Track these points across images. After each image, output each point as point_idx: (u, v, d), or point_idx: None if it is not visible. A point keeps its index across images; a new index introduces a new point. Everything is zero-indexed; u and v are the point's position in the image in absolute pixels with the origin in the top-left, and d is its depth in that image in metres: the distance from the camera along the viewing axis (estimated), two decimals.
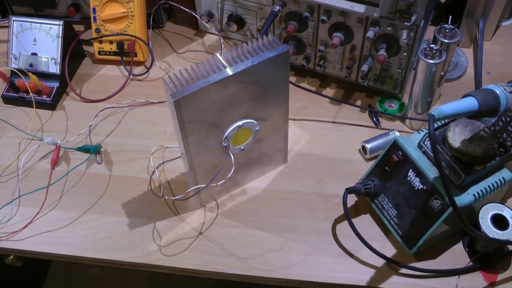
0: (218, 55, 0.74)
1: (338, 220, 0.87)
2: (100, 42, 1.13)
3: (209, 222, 0.88)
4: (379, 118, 1.02)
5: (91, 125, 1.02)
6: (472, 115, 0.67)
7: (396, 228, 0.83)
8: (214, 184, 0.82)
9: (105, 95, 1.08)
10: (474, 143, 0.76)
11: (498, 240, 0.76)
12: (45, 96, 1.06)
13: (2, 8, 1.24)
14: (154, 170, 0.94)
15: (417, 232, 0.80)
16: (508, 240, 0.76)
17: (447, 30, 0.91)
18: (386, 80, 1.01)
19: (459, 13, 1.09)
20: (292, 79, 1.09)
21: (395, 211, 0.83)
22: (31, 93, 1.04)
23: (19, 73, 1.04)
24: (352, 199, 0.90)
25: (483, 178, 0.79)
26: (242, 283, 0.86)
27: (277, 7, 0.97)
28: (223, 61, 0.74)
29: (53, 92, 1.06)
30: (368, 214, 0.88)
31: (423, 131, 0.85)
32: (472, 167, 0.77)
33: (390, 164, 0.84)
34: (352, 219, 0.83)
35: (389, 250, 0.83)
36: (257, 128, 0.83)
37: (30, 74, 1.03)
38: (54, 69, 1.07)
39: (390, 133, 0.96)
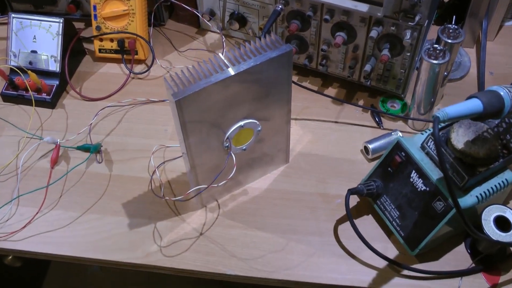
0: (220, 54, 0.74)
1: (340, 221, 0.87)
2: (101, 40, 1.12)
3: (210, 222, 0.87)
4: (382, 118, 1.01)
5: (91, 124, 1.01)
6: (477, 117, 0.66)
7: (399, 229, 0.82)
8: (216, 185, 0.82)
9: (105, 93, 1.07)
10: (478, 145, 0.75)
11: (501, 242, 0.75)
12: (45, 94, 1.05)
13: (1, 5, 1.24)
14: (155, 170, 0.93)
15: (419, 234, 0.79)
16: (511, 242, 0.75)
17: (450, 30, 0.90)
18: (389, 80, 1.01)
19: (462, 13, 1.08)
20: (294, 78, 1.08)
21: (398, 212, 0.82)
22: (30, 91, 1.03)
23: (19, 71, 1.03)
24: (354, 200, 0.89)
25: (486, 180, 0.79)
26: (242, 284, 0.86)
27: (280, 6, 0.96)
28: (225, 61, 0.73)
29: (53, 90, 1.05)
30: (370, 215, 0.88)
31: (426, 132, 0.84)
32: (475, 169, 0.76)
33: (393, 165, 0.83)
34: (354, 220, 0.82)
35: (391, 252, 0.83)
36: (259, 128, 0.83)
37: (29, 72, 1.02)
38: (54, 67, 1.06)
39: (392, 133, 0.96)
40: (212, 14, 1.15)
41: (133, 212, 0.88)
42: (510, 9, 1.16)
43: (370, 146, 0.94)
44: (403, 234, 0.82)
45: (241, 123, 0.79)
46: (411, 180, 0.81)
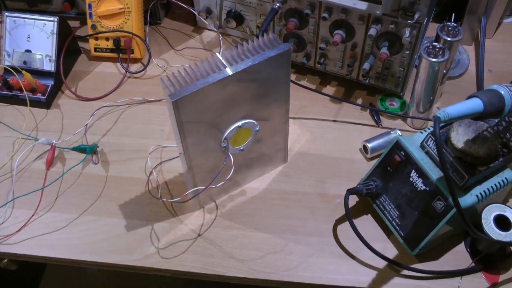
0: (217, 54, 0.73)
1: (339, 221, 0.86)
2: (96, 38, 1.11)
3: (208, 223, 0.86)
4: (380, 116, 1.01)
5: (87, 124, 1.00)
6: (477, 117, 0.66)
7: (398, 229, 0.82)
8: (214, 186, 0.81)
9: (101, 93, 1.06)
10: (478, 144, 0.75)
11: (502, 242, 0.75)
12: (40, 94, 1.04)
13: None
14: (152, 171, 0.92)
15: (419, 234, 0.79)
16: (511, 242, 0.75)
17: (450, 28, 0.90)
18: (388, 78, 1.00)
19: (460, 10, 1.07)
20: (292, 76, 1.07)
21: (397, 212, 0.82)
22: (25, 91, 1.02)
23: (13, 71, 1.02)
24: (353, 200, 0.89)
25: (486, 179, 0.78)
26: (241, 285, 0.85)
27: (278, 4, 0.96)
28: (223, 60, 0.72)
29: (48, 90, 1.04)
30: (369, 215, 0.87)
31: (425, 130, 0.83)
32: (475, 168, 0.76)
33: (392, 164, 0.83)
34: (353, 220, 0.82)
35: (391, 251, 0.83)
36: (257, 128, 0.82)
37: (24, 71, 1.01)
38: (49, 66, 1.05)
39: (391, 132, 0.95)
40: (208, 12, 1.14)
41: (130, 214, 0.87)
42: (509, 6, 1.16)
43: (369, 145, 0.93)
44: (402, 234, 0.81)
45: (239, 123, 0.78)
46: (411, 179, 0.80)
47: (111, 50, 1.11)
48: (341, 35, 0.95)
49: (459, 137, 0.76)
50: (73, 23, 1.16)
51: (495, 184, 0.78)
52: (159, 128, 1.00)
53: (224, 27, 1.16)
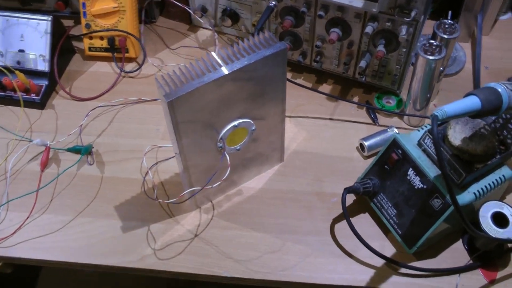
0: (213, 53, 0.72)
1: (336, 220, 0.86)
2: (91, 38, 1.10)
3: (204, 224, 0.86)
4: (377, 114, 1.00)
5: (81, 124, 0.99)
6: (475, 114, 0.65)
7: (396, 227, 0.81)
8: (210, 186, 0.80)
9: (96, 93, 1.05)
10: (475, 141, 0.74)
11: (500, 239, 0.75)
12: (34, 95, 1.03)
13: None
14: (148, 171, 0.92)
15: (417, 232, 0.78)
16: (509, 239, 0.75)
17: (446, 26, 0.89)
18: (385, 76, 0.99)
19: (457, 8, 1.07)
20: (288, 75, 1.07)
21: (395, 210, 0.81)
22: (18, 92, 1.01)
23: (6, 71, 1.00)
24: (350, 198, 0.88)
25: (484, 176, 0.78)
26: (239, 286, 0.85)
27: (273, 2, 0.95)
28: (218, 60, 0.72)
29: (42, 90, 1.03)
30: (367, 213, 0.87)
31: (422, 128, 0.83)
32: (472, 166, 0.75)
33: (390, 162, 0.82)
34: (350, 218, 0.81)
35: (389, 250, 0.82)
36: (253, 128, 0.81)
37: (17, 72, 1.01)
38: (43, 66, 1.04)
39: (388, 130, 0.95)
40: (204, 10, 1.13)
41: (126, 215, 0.87)
42: (504, 3, 1.16)
43: (366, 143, 0.93)
44: (400, 232, 0.81)
45: (235, 122, 0.78)
46: (408, 177, 0.80)
47: (106, 50, 1.11)
48: (338, 33, 0.94)
49: (456, 134, 0.76)
50: (67, 22, 1.15)
51: (492, 182, 0.78)
52: (155, 127, 0.99)
53: (219, 26, 1.16)
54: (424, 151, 0.80)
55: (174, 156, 0.90)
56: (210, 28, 1.16)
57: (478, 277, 0.79)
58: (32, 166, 0.94)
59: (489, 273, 0.80)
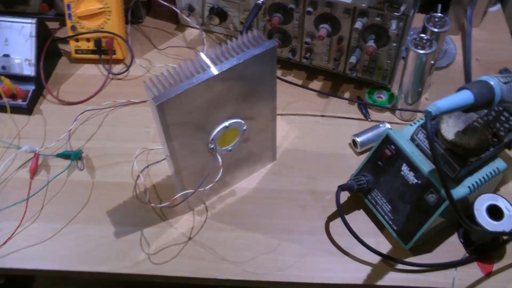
0: (201, 53, 0.71)
1: (331, 218, 0.86)
2: (77, 40, 1.09)
3: (198, 226, 0.85)
4: (369, 110, 1.00)
5: (70, 129, 0.98)
6: (468, 109, 0.65)
7: (391, 223, 0.81)
8: (202, 189, 0.79)
9: (84, 96, 1.04)
10: (468, 135, 0.74)
11: (496, 233, 0.75)
12: (21, 100, 1.01)
13: None
14: (139, 175, 0.90)
15: (412, 227, 0.78)
16: (504, 232, 0.75)
17: (436, 19, 0.89)
18: (375, 71, 0.99)
19: (446, 1, 1.06)
20: (278, 72, 1.06)
21: (389, 206, 0.81)
22: (4, 98, 0.99)
23: None
24: (344, 195, 0.88)
25: (477, 169, 0.78)
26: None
27: None
28: (207, 60, 0.70)
29: (29, 95, 1.02)
30: (361, 210, 0.87)
31: (415, 123, 0.83)
32: (466, 159, 0.75)
33: (383, 158, 0.82)
34: (345, 215, 0.81)
35: (384, 246, 0.82)
36: (245, 128, 0.80)
37: (2, 77, 0.99)
38: (29, 71, 1.02)
39: (380, 125, 0.94)
40: (191, 9, 1.12)
41: (119, 220, 0.86)
42: None
43: (359, 140, 0.92)
44: (396, 228, 0.80)
45: (226, 123, 0.77)
46: (402, 173, 0.79)
47: (93, 52, 1.09)
48: (327, 29, 0.94)
49: (450, 128, 0.75)
50: (52, 25, 1.14)
51: (486, 175, 0.78)
52: (144, 130, 0.98)
53: (207, 24, 1.14)
54: (418, 146, 0.79)
55: (165, 159, 0.89)
56: (198, 27, 1.14)
57: (474, 270, 0.79)
58: (21, 174, 0.92)
59: (485, 265, 0.80)
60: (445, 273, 0.79)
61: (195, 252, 0.82)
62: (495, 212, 0.76)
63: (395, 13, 0.86)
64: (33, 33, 1.02)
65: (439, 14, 0.89)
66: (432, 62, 0.91)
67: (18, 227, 0.84)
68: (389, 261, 0.80)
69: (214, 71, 0.69)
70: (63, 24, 1.15)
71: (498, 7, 1.19)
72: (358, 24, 0.90)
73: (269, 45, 0.72)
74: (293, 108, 1.01)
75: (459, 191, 0.75)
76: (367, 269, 0.80)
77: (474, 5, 1.08)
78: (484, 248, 0.80)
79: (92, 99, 1.04)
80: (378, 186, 0.82)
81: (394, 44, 0.92)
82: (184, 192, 0.80)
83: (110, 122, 1.00)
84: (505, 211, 0.76)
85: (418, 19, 0.94)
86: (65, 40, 1.11)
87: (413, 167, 0.78)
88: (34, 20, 1.02)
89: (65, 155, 0.93)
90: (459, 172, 0.75)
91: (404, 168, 0.79)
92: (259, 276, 0.79)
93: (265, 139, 0.87)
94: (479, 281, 0.78)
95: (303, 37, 1.00)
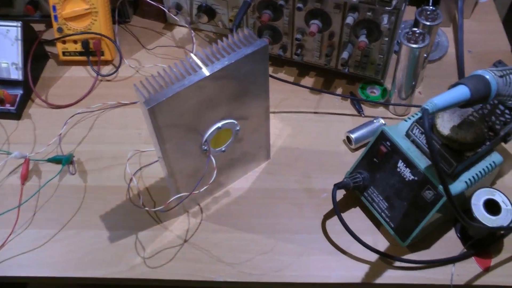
0: (192, 54, 0.70)
1: (327, 216, 0.85)
2: (64, 42, 1.07)
3: (193, 228, 0.84)
4: (362, 105, 0.99)
5: (61, 133, 0.96)
6: (464, 104, 0.64)
7: (388, 220, 0.80)
8: (197, 191, 0.78)
9: (73, 99, 1.02)
10: (464, 129, 0.74)
11: (494, 228, 0.74)
12: (9, 105, 0.99)
13: None
14: (132, 177, 0.89)
15: (410, 224, 0.78)
16: (502, 227, 0.75)
17: (428, 12, 0.88)
18: (368, 66, 0.98)
19: None
20: (269, 69, 1.04)
21: (386, 204, 0.80)
22: None
23: None
24: (340, 193, 0.87)
25: (474, 164, 0.78)
26: None
27: None
28: (198, 61, 0.69)
29: (17, 100, 1.00)
30: (357, 207, 0.86)
31: (410, 118, 0.82)
32: (462, 154, 0.75)
33: (378, 155, 0.81)
34: (341, 213, 0.80)
35: (382, 243, 0.81)
36: (238, 128, 0.79)
37: None
38: (16, 75, 1.01)
39: (374, 121, 0.93)
40: (178, 8, 1.10)
41: (113, 224, 0.85)
42: None
43: (353, 136, 0.91)
44: (393, 226, 0.80)
45: (219, 124, 0.76)
46: (398, 170, 0.79)
47: (80, 53, 1.08)
48: (318, 25, 0.92)
49: (445, 123, 0.75)
50: (38, 27, 1.12)
51: (483, 169, 0.77)
52: (136, 131, 0.97)
53: (195, 23, 1.13)
54: (413, 142, 0.79)
55: (157, 160, 0.88)
56: (186, 25, 1.13)
57: (472, 265, 0.79)
58: (12, 180, 0.91)
59: (483, 260, 0.80)
60: (444, 269, 0.79)
61: (191, 255, 0.81)
62: (492, 207, 0.76)
63: (387, 8, 0.85)
64: (19, 36, 1.00)
65: (431, 7, 0.89)
66: (425, 55, 0.91)
67: (10, 234, 0.83)
68: (386, 258, 0.79)
69: (206, 72, 0.68)
70: (49, 25, 1.14)
71: None
72: (350, 19, 0.89)
73: (260, 44, 0.70)
74: (286, 105, 1.00)
75: (456, 187, 0.75)
76: (365, 267, 0.79)
77: None
78: (481, 243, 0.80)
79: (82, 102, 1.02)
80: (374, 183, 0.82)
81: (386, 39, 0.91)
82: (178, 196, 0.79)
83: (101, 125, 0.98)
84: (502, 205, 0.76)
85: (408, 12, 0.93)
86: (52, 42, 1.10)
87: (409, 164, 0.77)
88: (19, 23, 1.00)
89: (56, 160, 0.92)
90: (456, 167, 0.74)
91: (400, 164, 0.78)
92: (256, 277, 0.79)
93: (259, 138, 0.86)
94: (478, 277, 0.78)
95: (293, 34, 0.99)
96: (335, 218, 0.81)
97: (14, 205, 0.85)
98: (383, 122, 0.93)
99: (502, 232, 0.81)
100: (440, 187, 0.73)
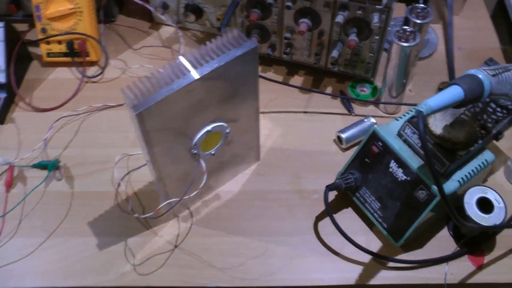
0: (181, 57, 0.68)
1: (319, 217, 0.84)
2: (48, 43, 1.05)
3: (183, 233, 0.83)
4: (352, 104, 0.98)
5: (46, 138, 0.94)
6: (458, 104, 0.64)
7: (381, 221, 0.80)
8: (187, 197, 0.77)
9: (58, 102, 1.00)
10: (456, 128, 0.73)
11: (489, 227, 0.74)
12: None
13: None
14: (119, 182, 0.87)
15: (403, 224, 0.77)
16: (495, 225, 0.75)
17: (419, 10, 0.87)
18: (358, 64, 0.97)
19: None
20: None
21: (379, 204, 0.79)
22: None
23: None
24: (331, 194, 0.86)
25: (466, 163, 0.78)
26: None
27: None
28: (187, 64, 0.68)
29: (0, 104, 0.98)
30: (349, 208, 0.85)
31: (401, 117, 0.81)
32: (455, 153, 0.74)
33: (370, 155, 0.80)
34: (333, 214, 0.80)
35: (375, 244, 0.81)
36: (228, 131, 0.78)
37: None
38: None
39: (365, 120, 0.92)
40: (165, 6, 1.08)
41: (101, 231, 0.83)
42: None
43: (343, 136, 0.90)
44: (386, 226, 0.79)
45: (209, 127, 0.74)
46: (391, 170, 0.78)
47: (65, 54, 1.05)
48: (307, 24, 0.91)
49: (437, 122, 0.74)
50: (21, 27, 1.10)
51: (475, 167, 0.77)
52: (123, 135, 0.95)
53: (182, 22, 1.11)
54: (405, 141, 0.78)
55: (146, 164, 0.86)
56: (173, 25, 1.11)
57: (466, 263, 0.79)
58: None
59: (476, 258, 0.79)
60: (437, 268, 0.78)
61: (182, 260, 0.80)
62: (485, 205, 0.76)
63: (377, 6, 0.84)
64: (1, 37, 0.98)
65: (422, 5, 0.88)
66: (416, 53, 0.90)
67: None
68: (380, 259, 0.79)
69: (195, 75, 0.66)
70: (32, 25, 1.11)
71: None
72: (340, 18, 0.87)
73: (250, 45, 0.69)
74: (275, 105, 0.99)
75: (449, 186, 0.74)
76: (359, 269, 0.79)
77: None
78: (474, 241, 0.80)
79: (67, 105, 1.00)
80: (366, 184, 0.81)
81: (377, 37, 0.90)
82: (168, 202, 0.77)
83: (87, 128, 0.97)
84: (495, 203, 0.76)
85: (396, 8, 0.92)
86: (35, 43, 1.07)
87: (401, 164, 0.77)
88: (1, 24, 0.98)
89: (41, 166, 0.89)
90: (449, 166, 0.74)
91: (393, 164, 0.78)
92: (248, 282, 0.78)
93: (249, 139, 0.85)
94: (471, 275, 0.78)
95: (282, 32, 0.97)
96: (327, 219, 0.80)
97: None
98: (374, 121, 0.92)
99: (494, 229, 0.80)
100: (433, 187, 0.73)
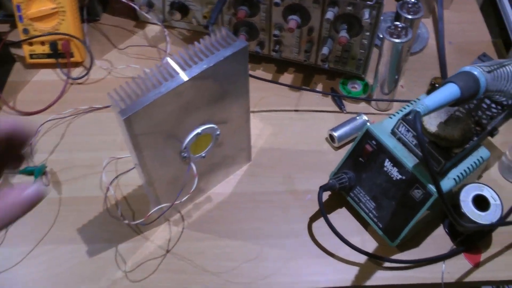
0: (168, 58, 0.66)
1: (313, 218, 0.83)
2: (31, 44, 1.02)
3: (175, 237, 0.81)
4: (343, 101, 0.96)
5: (31, 142, 0.92)
6: (454, 103, 0.62)
7: (376, 221, 0.78)
8: (178, 202, 0.75)
9: (43, 105, 0.97)
10: (451, 126, 0.72)
11: (486, 225, 0.73)
12: None
13: None
14: (108, 187, 0.85)
15: (399, 224, 0.76)
16: (492, 224, 0.74)
17: (409, 5, 0.86)
18: (348, 61, 0.95)
19: None
20: None
21: (374, 204, 0.78)
22: None
23: None
24: (325, 193, 0.84)
25: (462, 160, 0.77)
26: None
27: None
28: (175, 66, 0.66)
29: None
30: (344, 208, 0.84)
31: (394, 115, 0.80)
32: (450, 151, 0.73)
33: (364, 154, 0.79)
34: (327, 215, 0.78)
35: (370, 244, 0.80)
36: (218, 133, 0.76)
37: None
38: None
39: (357, 117, 0.91)
40: (150, 5, 1.06)
41: (91, 237, 0.81)
42: None
43: (336, 134, 0.89)
44: (381, 226, 0.78)
45: (198, 130, 0.73)
46: (385, 169, 0.77)
47: (49, 56, 1.03)
48: (296, 21, 0.90)
49: (432, 120, 0.73)
50: (2, 27, 1.07)
51: (471, 165, 0.76)
52: (111, 138, 0.92)
53: (168, 20, 1.09)
54: (399, 139, 0.77)
55: (134, 167, 0.84)
56: (159, 23, 1.09)
57: (462, 261, 0.78)
58: None
59: (473, 256, 0.79)
60: (434, 268, 0.77)
61: (174, 265, 0.78)
62: (481, 202, 0.75)
63: (368, 2, 0.83)
64: None
65: (412, 0, 0.86)
66: (408, 49, 0.89)
67: None
68: (376, 260, 0.78)
69: (184, 77, 0.64)
70: (14, 26, 1.08)
71: None
72: (330, 14, 0.86)
73: (240, 45, 0.67)
74: (265, 104, 0.97)
75: (445, 184, 0.74)
76: (354, 270, 0.77)
77: None
78: (470, 239, 0.79)
79: (52, 107, 0.98)
80: (361, 183, 0.80)
81: (367, 33, 0.89)
82: (159, 207, 0.75)
83: (74, 131, 0.94)
84: (491, 201, 0.75)
85: (386, 3, 0.90)
86: (18, 44, 1.04)
87: (396, 163, 0.75)
88: None
89: (28, 172, 0.87)
90: (444, 165, 0.73)
91: (387, 163, 0.76)
92: (243, 286, 0.76)
93: (240, 140, 0.83)
94: (468, 273, 0.77)
95: (271, 30, 0.96)
96: (322, 220, 0.79)
97: None
98: (366, 119, 0.90)
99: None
100: (429, 186, 0.72)
